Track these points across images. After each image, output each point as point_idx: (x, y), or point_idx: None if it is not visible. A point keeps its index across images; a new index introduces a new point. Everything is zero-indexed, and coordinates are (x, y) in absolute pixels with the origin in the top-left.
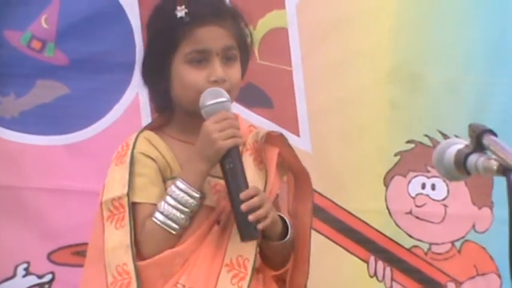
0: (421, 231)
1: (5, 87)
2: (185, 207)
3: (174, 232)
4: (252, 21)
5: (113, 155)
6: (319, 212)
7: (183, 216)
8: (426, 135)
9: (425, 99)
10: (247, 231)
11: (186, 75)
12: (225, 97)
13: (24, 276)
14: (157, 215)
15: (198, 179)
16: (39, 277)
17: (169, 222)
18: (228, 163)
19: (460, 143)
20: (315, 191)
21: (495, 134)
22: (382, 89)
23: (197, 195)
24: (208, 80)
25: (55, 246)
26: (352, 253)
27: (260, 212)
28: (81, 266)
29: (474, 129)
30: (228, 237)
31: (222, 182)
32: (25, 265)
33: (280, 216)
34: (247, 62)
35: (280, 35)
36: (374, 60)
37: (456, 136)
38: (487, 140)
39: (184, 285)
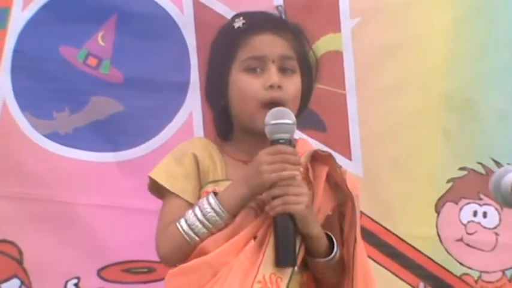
0: (471, 259)
1: (60, 103)
2: (210, 223)
3: (192, 243)
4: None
5: None
6: (369, 237)
7: (205, 230)
8: (479, 163)
9: (478, 127)
10: (283, 256)
11: (242, 82)
12: (289, 119)
13: None
14: (182, 222)
15: (233, 201)
16: None
17: (191, 233)
18: None
19: None
20: (366, 215)
21: None
22: (435, 115)
23: (224, 216)
24: (264, 86)
25: (105, 262)
26: (401, 278)
27: (275, 191)
28: (130, 283)
29: None
30: (263, 253)
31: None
32: (75, 280)
33: (328, 234)
34: (310, 79)
35: (335, 58)
36: (427, 86)
37: (509, 164)
38: None
39: None
